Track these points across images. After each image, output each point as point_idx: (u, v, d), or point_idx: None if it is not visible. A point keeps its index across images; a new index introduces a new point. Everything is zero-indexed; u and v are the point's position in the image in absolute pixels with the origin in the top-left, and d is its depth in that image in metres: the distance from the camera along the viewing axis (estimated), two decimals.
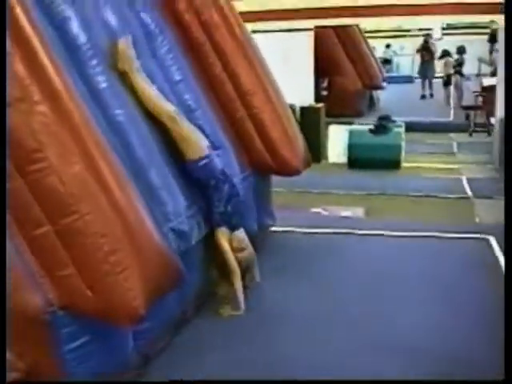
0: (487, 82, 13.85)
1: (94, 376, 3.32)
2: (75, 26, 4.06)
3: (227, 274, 4.69)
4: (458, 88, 16.05)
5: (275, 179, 6.50)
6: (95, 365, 3.32)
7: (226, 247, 4.66)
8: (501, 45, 10.22)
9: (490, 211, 7.56)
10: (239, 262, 4.70)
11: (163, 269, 3.22)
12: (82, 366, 3.25)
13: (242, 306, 4.61)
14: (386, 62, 23.37)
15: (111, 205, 3.03)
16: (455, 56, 17.52)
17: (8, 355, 3.02)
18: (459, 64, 16.55)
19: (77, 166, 2.97)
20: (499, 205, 7.50)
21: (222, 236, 4.69)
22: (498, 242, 5.99)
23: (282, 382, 3.64)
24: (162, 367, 3.89)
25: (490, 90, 11.42)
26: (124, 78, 4.37)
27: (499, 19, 10.43)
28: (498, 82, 10.23)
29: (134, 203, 3.21)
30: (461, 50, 16.92)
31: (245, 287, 4.73)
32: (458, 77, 16.17)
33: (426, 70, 17.88)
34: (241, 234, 4.82)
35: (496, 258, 5.66)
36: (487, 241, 6.13)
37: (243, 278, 4.74)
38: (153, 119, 4.45)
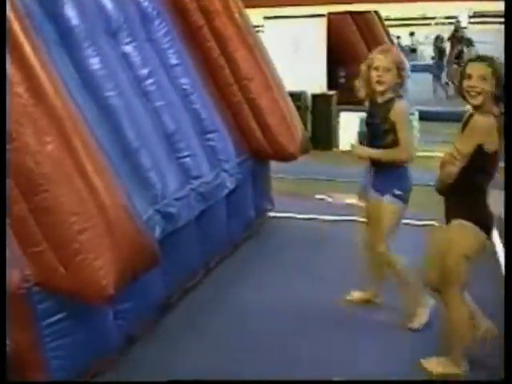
0: None
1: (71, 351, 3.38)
2: (68, 9, 4.12)
3: None
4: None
5: (283, 166, 6.48)
6: (74, 340, 3.38)
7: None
8: None
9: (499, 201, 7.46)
10: None
11: (137, 250, 3.24)
12: (59, 341, 3.31)
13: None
14: (412, 51, 23.19)
15: (85, 184, 3.07)
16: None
17: None
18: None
19: (50, 146, 3.01)
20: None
21: None
22: (499, 232, 5.95)
23: (281, 382, 3.66)
24: (145, 348, 3.95)
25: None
26: None
27: None
28: None
29: (110, 184, 3.24)
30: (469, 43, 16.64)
31: None
32: None
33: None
34: None
35: (494, 246, 5.64)
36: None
37: None
38: None
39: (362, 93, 4.22)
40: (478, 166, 3.33)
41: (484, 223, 3.41)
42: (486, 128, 3.27)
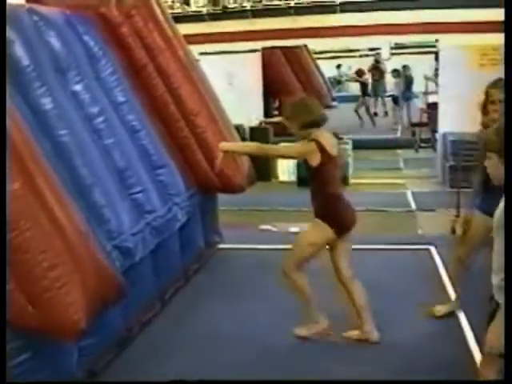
0: (432, 99, 14.25)
1: None
2: (18, 50, 4.16)
3: None
4: (403, 106, 16.48)
5: (225, 198, 6.61)
6: (39, 379, 3.37)
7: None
8: (440, 64, 10.61)
9: (433, 223, 7.83)
10: None
11: (104, 283, 3.30)
12: (25, 380, 3.30)
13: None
14: (339, 82, 23.90)
15: (50, 221, 3.12)
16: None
17: None
18: (409, 82, 16.93)
19: (16, 184, 3.05)
20: (441, 217, 7.86)
21: None
22: (438, 252, 6.25)
23: (282, 382, 3.75)
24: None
25: (435, 106, 11.78)
26: None
27: (442, 38, 10.86)
28: (439, 99, 10.62)
29: (74, 220, 3.30)
30: (404, 70, 17.30)
31: None
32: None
33: (376, 89, 18.41)
34: None
35: (436, 266, 5.92)
36: (428, 250, 6.37)
37: None
38: None
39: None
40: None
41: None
42: None
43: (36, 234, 3.06)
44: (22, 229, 3.03)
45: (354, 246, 6.31)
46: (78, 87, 4.65)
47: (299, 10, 10.49)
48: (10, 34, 4.03)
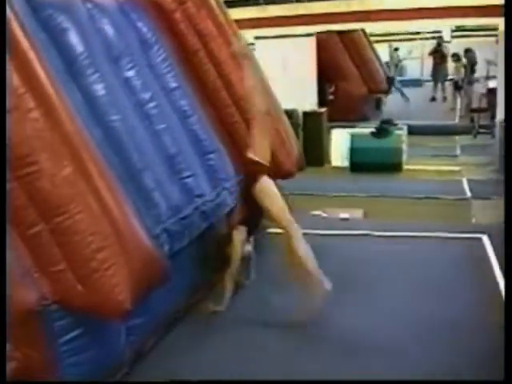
0: (492, 84, 13.89)
1: (86, 368, 3.50)
2: (73, 37, 4.27)
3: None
4: (467, 91, 16.10)
5: (278, 182, 6.61)
6: (87, 358, 3.49)
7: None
8: (500, 47, 10.33)
9: (487, 211, 7.69)
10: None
11: (149, 266, 3.40)
12: (74, 358, 3.42)
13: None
14: (396, 66, 23.51)
15: (99, 205, 3.23)
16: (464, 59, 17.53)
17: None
18: (471, 66, 16.46)
19: (67, 169, 3.16)
20: (496, 205, 7.71)
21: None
22: (491, 240, 6.15)
23: (281, 382, 3.78)
24: (150, 365, 4.07)
25: (495, 92, 11.50)
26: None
27: (501, 22, 10.56)
28: (499, 84, 10.35)
29: (122, 204, 3.40)
30: (467, 53, 16.87)
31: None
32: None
33: (437, 73, 18.08)
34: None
35: (487, 254, 5.84)
36: (480, 239, 6.27)
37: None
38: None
39: None
40: None
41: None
42: None
43: (85, 217, 3.17)
44: (73, 212, 3.14)
45: (404, 233, 6.45)
46: (130, 73, 4.74)
47: None
48: (64, 22, 4.15)
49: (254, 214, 4.96)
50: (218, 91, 5.66)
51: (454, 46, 18.96)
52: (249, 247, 5.05)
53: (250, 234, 5.01)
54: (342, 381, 3.80)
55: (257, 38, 10.86)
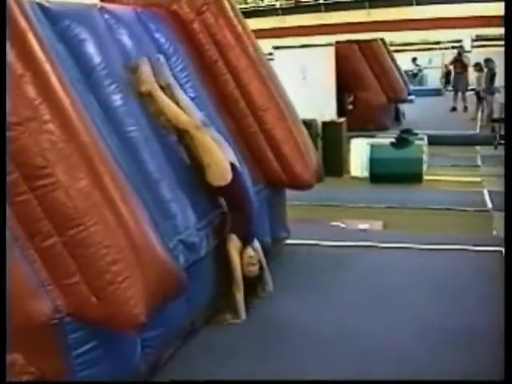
0: None
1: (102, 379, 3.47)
2: (90, 48, 4.27)
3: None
4: (488, 101, 15.96)
5: (297, 193, 6.59)
6: (102, 370, 3.46)
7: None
8: None
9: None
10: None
11: (165, 278, 3.37)
12: (88, 370, 3.39)
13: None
14: (414, 75, 23.39)
15: (115, 217, 3.20)
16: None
17: (20, 359, 3.21)
18: (491, 76, 16.31)
19: (83, 182, 3.14)
20: None
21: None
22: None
23: (281, 382, 3.75)
24: (167, 377, 4.03)
25: None
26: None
27: None
28: None
29: (138, 216, 3.37)
30: (487, 63, 16.72)
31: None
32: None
33: (458, 83, 17.99)
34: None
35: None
36: (500, 252, 6.16)
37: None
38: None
39: None
40: None
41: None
42: None
43: (100, 229, 3.14)
44: (88, 224, 3.12)
45: (423, 246, 6.36)
46: None
47: (373, 3, 10.32)
48: (82, 33, 4.15)
49: (238, 221, 4.87)
50: (236, 102, 5.64)
51: (474, 56, 18.86)
52: (258, 265, 4.95)
53: (244, 242, 4.88)
54: (342, 381, 3.76)
55: (275, 47, 10.85)
